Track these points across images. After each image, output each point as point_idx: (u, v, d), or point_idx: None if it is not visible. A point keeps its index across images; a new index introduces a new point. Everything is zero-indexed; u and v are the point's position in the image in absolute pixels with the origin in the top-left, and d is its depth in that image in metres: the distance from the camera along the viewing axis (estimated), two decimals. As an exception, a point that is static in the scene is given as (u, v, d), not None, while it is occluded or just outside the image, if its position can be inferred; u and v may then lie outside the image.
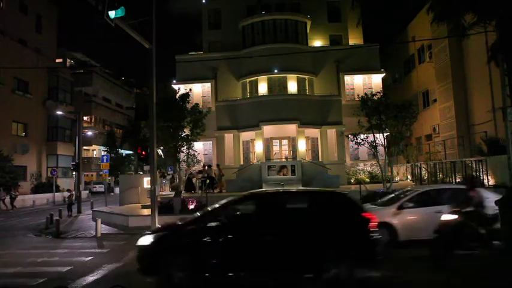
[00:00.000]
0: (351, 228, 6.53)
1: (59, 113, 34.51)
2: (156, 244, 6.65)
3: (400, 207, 9.52)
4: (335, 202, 7.09)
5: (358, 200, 7.16)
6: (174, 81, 27.38)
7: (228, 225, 6.58)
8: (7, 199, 26.20)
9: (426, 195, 10.00)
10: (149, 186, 15.13)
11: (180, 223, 7.12)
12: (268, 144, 24.62)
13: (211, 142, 26.03)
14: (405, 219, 9.23)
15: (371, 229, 6.45)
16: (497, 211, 7.92)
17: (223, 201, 7.29)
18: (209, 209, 7.26)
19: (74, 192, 22.71)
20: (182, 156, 19.73)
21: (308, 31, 27.51)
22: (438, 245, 7.70)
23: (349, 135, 18.99)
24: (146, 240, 6.79)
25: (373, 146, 17.61)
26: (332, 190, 8.44)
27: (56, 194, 31.60)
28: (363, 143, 17.80)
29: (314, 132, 24.99)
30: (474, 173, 16.85)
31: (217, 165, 23.15)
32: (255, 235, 6.44)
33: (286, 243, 6.36)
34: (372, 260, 6.40)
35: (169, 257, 6.44)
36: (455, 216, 7.84)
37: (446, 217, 8.04)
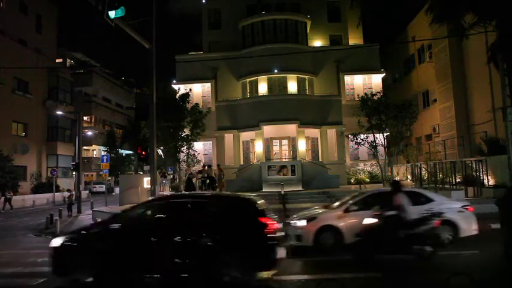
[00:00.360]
0: (246, 233, 6.63)
1: (59, 113, 34.49)
2: (65, 246, 6.90)
3: (346, 210, 9.48)
4: (232, 207, 7.21)
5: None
6: (174, 81, 27.38)
7: (128, 229, 6.86)
8: (1, 200, 26.04)
9: (373, 197, 9.89)
10: (149, 186, 15.15)
11: (87, 225, 7.65)
12: (268, 144, 24.62)
13: (211, 142, 26.04)
14: (351, 222, 9.14)
15: (268, 233, 6.51)
16: (421, 215, 7.93)
17: (129, 205, 7.73)
18: (115, 212, 7.44)
19: (74, 192, 22.68)
20: (182, 156, 19.76)
21: (308, 31, 27.51)
22: (359, 249, 7.73)
23: (349, 135, 19.02)
24: (57, 242, 7.04)
25: (373, 146, 17.64)
26: (232, 195, 8.66)
27: (56, 194, 31.59)
28: (363, 143, 17.83)
29: (314, 132, 24.99)
30: (474, 173, 16.87)
31: (218, 165, 23.14)
32: (152, 238, 6.62)
33: (182, 247, 6.52)
34: (267, 263, 6.47)
35: (77, 258, 6.71)
36: (376, 220, 7.88)
37: (368, 221, 8.08)
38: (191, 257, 6.47)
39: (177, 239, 6.54)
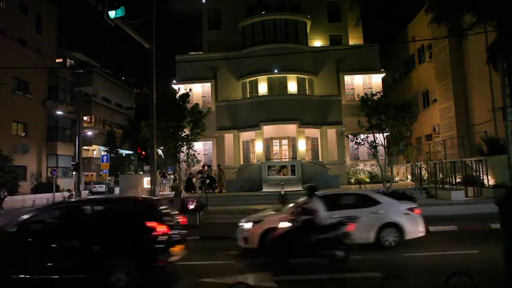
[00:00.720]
0: (131, 237, 6.93)
1: (59, 113, 34.48)
2: None
3: (293, 213, 9.50)
4: (119, 212, 7.52)
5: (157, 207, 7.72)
6: (174, 81, 27.37)
7: (29, 232, 7.16)
8: None
9: (323, 200, 9.98)
10: (149, 186, 15.15)
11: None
12: (268, 144, 24.62)
13: (211, 142, 26.04)
14: None
15: (154, 237, 6.80)
16: (334, 220, 8.02)
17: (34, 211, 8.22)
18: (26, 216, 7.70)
19: (73, 192, 22.71)
20: (182, 156, 19.74)
21: (308, 31, 27.51)
22: (273, 252, 7.78)
23: (349, 135, 19.00)
24: None
25: (373, 146, 17.61)
26: (121, 199, 9.25)
27: (56, 194, 31.48)
28: (362, 143, 17.80)
29: (314, 132, 24.99)
30: (474, 173, 16.88)
31: (218, 166, 23.16)
32: (48, 241, 6.94)
33: (73, 248, 6.84)
34: (152, 265, 6.81)
35: None
36: (289, 224, 7.96)
37: (282, 225, 8.17)
38: (75, 259, 6.79)
39: (71, 241, 6.87)
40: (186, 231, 8.12)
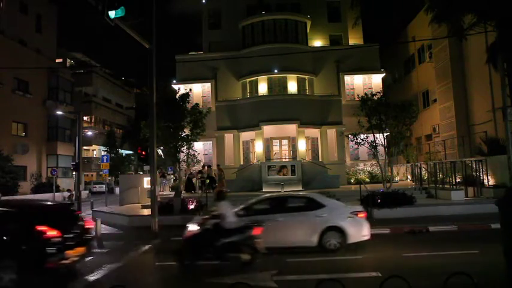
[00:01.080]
0: (21, 239, 7.19)
1: (59, 113, 34.48)
2: None
3: (237, 215, 9.56)
4: (12, 214, 7.69)
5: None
6: (174, 81, 27.37)
7: None
8: None
9: (264, 203, 10.10)
10: (149, 186, 15.15)
11: None
12: (268, 144, 24.62)
13: (211, 142, 26.04)
14: None
15: (45, 240, 7.08)
16: (240, 224, 8.14)
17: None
18: None
19: (74, 192, 22.70)
20: (182, 156, 19.73)
21: (308, 31, 27.51)
22: (181, 255, 7.92)
23: (349, 135, 18.99)
24: None
25: (373, 146, 17.61)
26: (15, 201, 9.76)
27: (56, 194, 31.50)
28: (362, 143, 17.80)
29: (314, 132, 24.99)
30: (474, 173, 16.88)
31: (218, 165, 23.15)
32: None
33: None
34: (40, 267, 7.08)
35: None
36: (197, 227, 8.18)
37: (191, 228, 8.39)
38: None
39: None
40: (91, 235, 8.53)
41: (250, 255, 7.70)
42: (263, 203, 10.04)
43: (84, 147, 44.82)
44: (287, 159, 23.85)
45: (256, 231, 7.90)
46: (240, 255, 7.67)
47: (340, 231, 9.00)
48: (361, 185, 16.50)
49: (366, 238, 9.29)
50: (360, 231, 9.17)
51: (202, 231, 8.02)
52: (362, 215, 9.45)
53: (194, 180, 22.19)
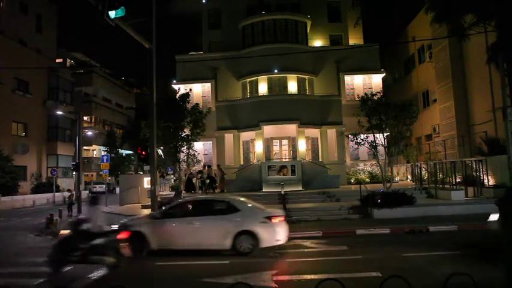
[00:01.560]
0: None
1: (59, 113, 34.50)
2: None
3: (154, 217, 10.03)
4: None
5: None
6: (174, 81, 27.37)
7: None
8: None
9: (181, 206, 10.48)
10: (149, 186, 15.15)
11: None
12: (268, 144, 24.61)
13: (211, 142, 26.03)
14: (157, 229, 9.63)
15: None
16: (108, 228, 8.38)
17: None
18: None
19: (74, 192, 22.69)
20: (182, 156, 19.74)
21: (308, 31, 27.50)
22: (52, 258, 7.99)
23: (349, 135, 18.99)
24: None
25: (373, 146, 17.60)
26: None
27: (56, 194, 31.60)
28: (363, 143, 17.79)
29: (314, 132, 24.99)
30: (474, 173, 16.87)
31: (218, 166, 23.15)
32: None
33: None
34: None
35: None
36: (67, 231, 8.35)
37: (62, 231, 8.62)
38: None
39: None
40: None
41: (115, 259, 7.91)
42: (182, 206, 10.51)
43: (84, 147, 44.83)
44: (287, 159, 23.85)
45: (121, 236, 8.19)
46: (105, 258, 7.85)
47: (253, 235, 9.24)
48: (361, 185, 16.50)
49: (279, 243, 9.48)
50: (273, 235, 9.39)
51: (70, 235, 8.18)
52: (277, 220, 9.59)
53: (194, 180, 22.19)
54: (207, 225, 9.52)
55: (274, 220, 9.49)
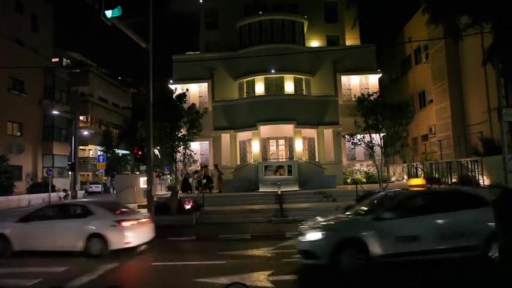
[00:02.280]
0: None
1: (55, 112, 34.30)
2: None
3: (18, 221, 10.50)
4: None
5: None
6: (171, 81, 27.31)
7: None
8: None
9: (44, 210, 11.12)
10: (145, 186, 15.11)
11: None
12: (265, 144, 24.62)
13: (208, 142, 26.00)
14: (20, 231, 10.17)
15: None
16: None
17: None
18: None
19: (69, 192, 22.63)
20: (179, 156, 19.69)
21: (305, 31, 27.55)
22: None
23: (346, 136, 19.02)
24: None
25: (370, 146, 17.64)
26: None
27: (52, 194, 31.36)
28: (359, 143, 17.83)
29: (311, 132, 25.02)
30: (470, 173, 16.96)
31: (215, 165, 23.13)
32: None
33: None
34: None
35: None
36: None
37: None
38: None
39: None
40: None
41: None
42: (45, 210, 11.13)
43: (80, 147, 44.62)
44: (284, 159, 23.87)
45: None
46: None
47: (102, 238, 9.66)
48: (358, 185, 16.54)
49: (128, 245, 9.82)
50: (122, 239, 9.76)
51: None
52: (128, 223, 9.92)
53: (191, 180, 22.17)
54: (63, 228, 10.03)
55: (124, 224, 9.87)
